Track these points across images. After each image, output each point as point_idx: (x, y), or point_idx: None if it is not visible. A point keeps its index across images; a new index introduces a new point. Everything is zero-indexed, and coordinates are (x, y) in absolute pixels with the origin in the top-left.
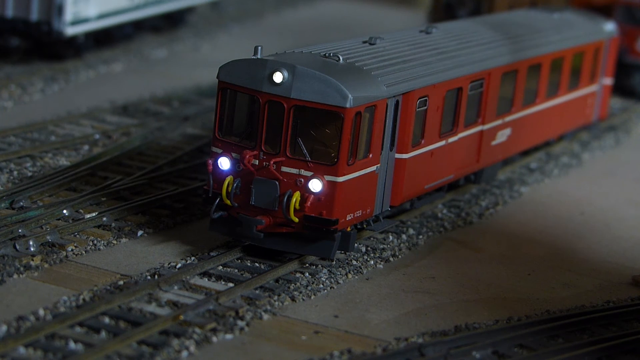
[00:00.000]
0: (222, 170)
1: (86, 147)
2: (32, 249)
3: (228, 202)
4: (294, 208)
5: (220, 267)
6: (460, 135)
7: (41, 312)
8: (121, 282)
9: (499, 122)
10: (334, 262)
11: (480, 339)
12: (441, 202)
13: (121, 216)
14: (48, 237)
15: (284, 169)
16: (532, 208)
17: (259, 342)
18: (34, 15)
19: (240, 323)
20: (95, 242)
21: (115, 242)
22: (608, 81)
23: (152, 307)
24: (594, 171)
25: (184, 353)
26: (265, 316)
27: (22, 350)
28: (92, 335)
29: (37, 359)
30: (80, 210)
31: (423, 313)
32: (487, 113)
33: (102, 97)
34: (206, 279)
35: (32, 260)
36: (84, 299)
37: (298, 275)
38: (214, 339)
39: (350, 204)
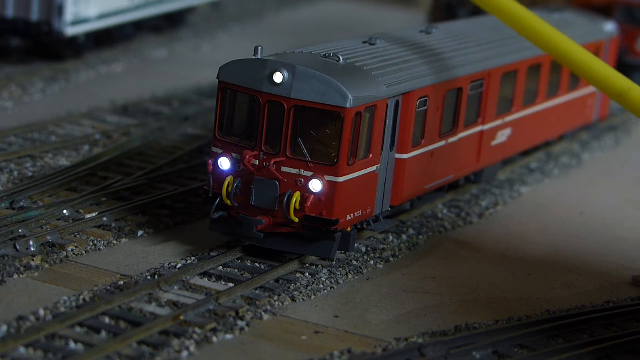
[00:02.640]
0: (222, 170)
1: (86, 147)
2: (32, 249)
3: (228, 202)
4: (294, 208)
5: (220, 267)
6: (460, 135)
7: (41, 312)
8: (121, 282)
9: (498, 122)
10: (334, 262)
11: (480, 339)
12: (441, 202)
13: (121, 216)
14: (48, 237)
15: (284, 169)
16: (532, 208)
17: (259, 342)
18: (34, 15)
19: (240, 323)
20: (95, 242)
21: (115, 242)
22: None
23: (152, 307)
24: (593, 171)
25: (184, 353)
26: (265, 316)
27: (22, 350)
28: (92, 335)
29: (37, 359)
30: (80, 210)
31: (423, 313)
32: (487, 113)
33: (102, 97)
34: (206, 279)
35: (32, 260)
36: (84, 299)
37: (298, 275)
38: (214, 339)
39: (350, 204)
